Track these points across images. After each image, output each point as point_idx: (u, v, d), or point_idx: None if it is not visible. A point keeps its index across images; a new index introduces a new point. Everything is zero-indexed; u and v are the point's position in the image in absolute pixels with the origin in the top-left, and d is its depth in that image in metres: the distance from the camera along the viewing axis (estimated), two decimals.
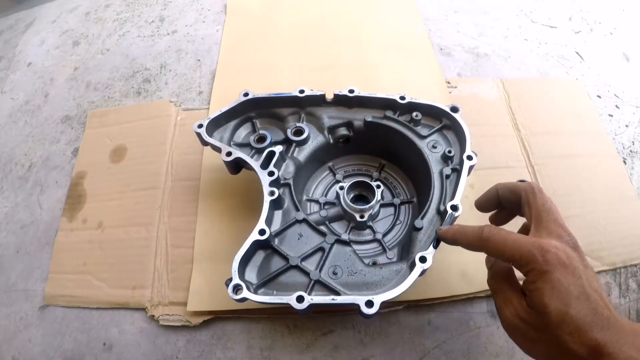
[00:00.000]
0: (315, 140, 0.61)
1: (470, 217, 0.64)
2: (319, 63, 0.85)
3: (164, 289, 0.61)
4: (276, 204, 0.53)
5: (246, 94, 0.61)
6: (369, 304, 0.44)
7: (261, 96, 0.61)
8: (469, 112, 0.61)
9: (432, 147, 0.57)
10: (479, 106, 0.78)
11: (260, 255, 0.50)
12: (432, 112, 0.60)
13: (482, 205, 0.50)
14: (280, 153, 0.57)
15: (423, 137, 0.58)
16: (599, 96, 0.83)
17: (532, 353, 0.40)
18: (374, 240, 0.57)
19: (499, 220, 0.51)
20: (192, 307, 0.58)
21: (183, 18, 1.00)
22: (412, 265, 0.47)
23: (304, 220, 0.53)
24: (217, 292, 0.57)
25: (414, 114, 0.59)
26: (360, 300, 0.44)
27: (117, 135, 0.78)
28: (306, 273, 0.48)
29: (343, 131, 0.62)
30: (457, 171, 0.54)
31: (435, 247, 0.47)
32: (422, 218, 0.51)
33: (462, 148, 0.56)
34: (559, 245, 0.37)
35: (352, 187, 0.61)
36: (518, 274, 0.40)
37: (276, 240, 0.51)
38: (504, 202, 0.47)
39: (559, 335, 0.35)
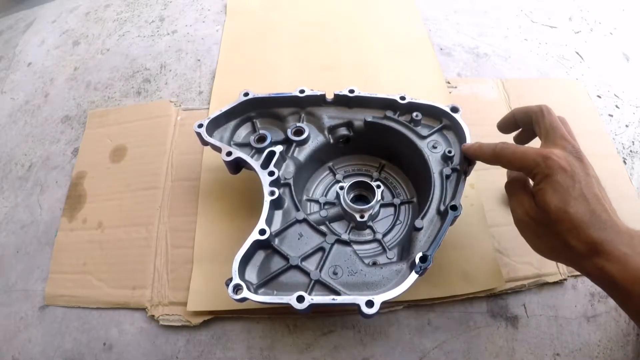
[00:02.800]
0: (315, 140, 0.61)
1: (470, 217, 0.65)
2: (319, 63, 0.85)
3: (164, 289, 0.61)
4: (276, 204, 0.53)
5: (246, 94, 0.61)
6: (369, 304, 0.44)
7: (261, 96, 0.61)
8: (469, 112, 0.60)
9: (432, 147, 0.57)
10: (479, 106, 0.78)
11: (260, 255, 0.50)
12: (432, 112, 0.60)
13: (501, 127, 0.55)
14: (281, 153, 0.57)
15: (423, 137, 0.58)
16: (599, 96, 0.83)
17: (539, 248, 0.45)
18: (374, 240, 0.57)
19: (520, 140, 0.56)
20: (192, 307, 0.58)
21: (183, 18, 1.00)
22: (412, 265, 0.47)
23: (304, 220, 0.53)
24: (217, 292, 0.57)
25: (414, 114, 0.59)
26: (360, 300, 0.44)
27: (117, 135, 0.78)
28: (306, 273, 0.48)
29: (343, 131, 0.62)
30: (457, 171, 0.54)
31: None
32: (422, 218, 0.51)
33: None
34: (561, 153, 0.42)
35: (352, 187, 0.61)
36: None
37: (276, 240, 0.51)
38: (520, 124, 0.52)
39: (560, 231, 0.40)
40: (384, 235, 0.58)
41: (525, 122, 0.51)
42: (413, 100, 0.59)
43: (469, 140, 0.56)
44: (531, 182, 0.45)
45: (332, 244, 0.51)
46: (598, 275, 0.39)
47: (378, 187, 0.59)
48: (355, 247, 0.52)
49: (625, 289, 0.37)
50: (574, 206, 0.39)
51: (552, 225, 0.41)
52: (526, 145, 0.49)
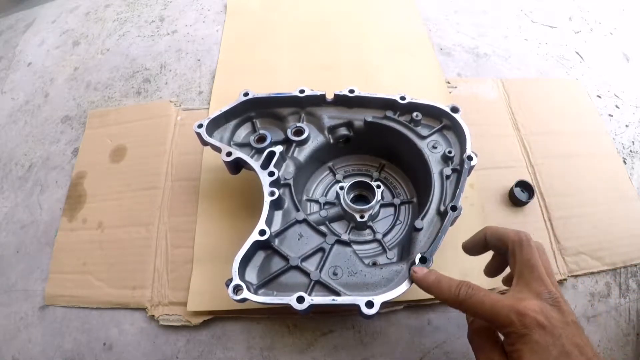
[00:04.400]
0: (315, 140, 0.61)
1: (470, 217, 0.64)
2: (319, 63, 0.85)
3: (164, 289, 0.61)
4: (276, 204, 0.53)
5: (246, 94, 0.61)
6: (369, 304, 0.44)
7: (261, 96, 0.61)
8: (469, 112, 0.60)
9: (432, 148, 0.57)
10: (479, 106, 0.78)
11: (260, 256, 0.50)
12: (432, 112, 0.60)
13: (469, 248, 0.50)
14: (281, 153, 0.57)
15: (423, 138, 0.58)
16: (599, 96, 0.83)
17: None
18: (374, 240, 0.57)
19: (493, 270, 0.51)
20: (192, 307, 0.58)
21: (183, 18, 1.00)
22: (412, 266, 0.47)
23: (304, 221, 0.53)
24: (217, 292, 0.57)
25: (414, 114, 0.59)
26: (360, 300, 0.44)
27: (117, 135, 0.78)
28: (306, 273, 0.48)
29: (343, 131, 0.62)
30: (458, 171, 0.54)
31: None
32: (422, 218, 0.51)
33: (462, 148, 0.56)
34: (537, 306, 0.37)
35: (352, 187, 0.61)
36: None
37: (276, 241, 0.51)
38: (492, 248, 0.47)
39: None
40: (384, 235, 0.58)
41: (498, 248, 0.46)
42: (413, 100, 0.59)
43: (469, 140, 0.55)
44: (501, 336, 0.40)
45: (332, 245, 0.51)
46: None
47: (378, 187, 0.59)
48: (355, 247, 0.52)
49: None
50: None
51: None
52: (494, 293, 0.41)
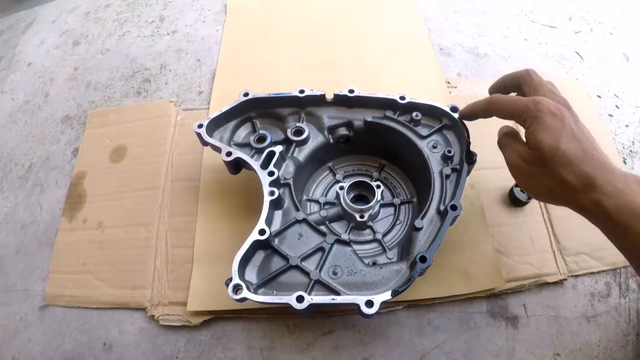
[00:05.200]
0: (315, 140, 0.61)
1: (470, 217, 0.64)
2: (319, 63, 0.85)
3: (164, 289, 0.61)
4: (276, 204, 0.53)
5: (246, 94, 0.61)
6: (369, 303, 0.44)
7: (261, 96, 0.61)
8: None
9: (432, 147, 0.57)
10: None
11: (260, 255, 0.50)
12: (432, 112, 0.60)
13: (493, 91, 0.55)
14: (280, 153, 0.57)
15: (423, 137, 0.58)
16: (599, 96, 0.83)
17: (536, 191, 0.46)
18: (374, 240, 0.57)
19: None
20: (192, 307, 0.58)
21: (183, 18, 1.00)
22: (412, 265, 0.47)
23: (304, 220, 0.53)
24: (217, 292, 0.57)
25: (414, 114, 0.59)
26: (360, 300, 0.44)
27: (117, 135, 0.78)
28: (306, 273, 0.48)
29: (343, 131, 0.62)
30: (457, 171, 0.54)
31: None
32: (422, 218, 0.51)
33: (462, 148, 0.56)
34: (550, 100, 0.44)
35: (352, 187, 0.61)
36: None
37: (276, 240, 0.51)
38: (510, 89, 0.53)
39: (554, 168, 0.41)
40: (384, 235, 0.58)
41: (514, 86, 0.52)
42: (413, 100, 0.59)
43: (469, 140, 0.55)
44: (522, 131, 0.46)
45: (332, 244, 0.51)
46: (594, 210, 0.40)
47: (378, 187, 0.59)
48: (355, 247, 0.52)
49: (622, 224, 0.38)
50: (566, 143, 0.41)
51: (547, 163, 0.42)
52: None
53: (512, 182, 0.66)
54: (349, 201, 0.58)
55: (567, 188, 0.41)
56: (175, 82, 0.87)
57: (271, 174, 0.54)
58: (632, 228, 0.38)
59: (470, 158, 0.54)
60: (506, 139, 0.49)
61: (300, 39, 0.90)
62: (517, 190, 0.66)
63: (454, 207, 0.50)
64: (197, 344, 0.58)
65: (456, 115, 0.57)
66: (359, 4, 0.97)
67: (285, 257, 0.49)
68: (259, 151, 0.58)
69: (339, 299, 0.45)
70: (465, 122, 0.57)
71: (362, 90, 0.60)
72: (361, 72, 0.83)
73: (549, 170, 0.42)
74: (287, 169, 0.57)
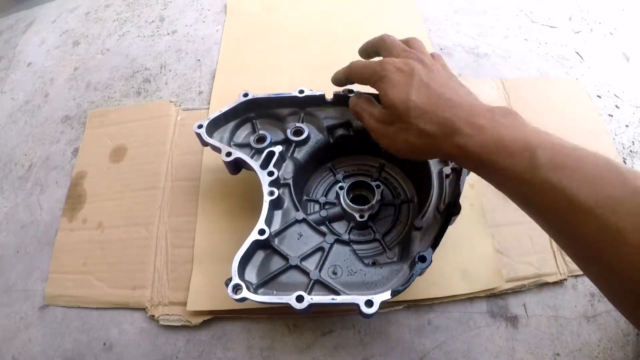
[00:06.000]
0: (315, 140, 0.61)
1: (470, 217, 0.64)
2: (319, 63, 0.85)
3: (164, 289, 0.61)
4: (276, 204, 0.53)
5: (246, 94, 0.61)
6: (369, 303, 0.44)
7: (261, 96, 0.61)
8: None
9: None
10: None
11: (260, 255, 0.50)
12: None
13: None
14: (280, 153, 0.57)
15: None
16: (599, 96, 0.83)
17: (403, 150, 0.44)
18: (374, 240, 0.57)
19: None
20: (192, 307, 0.58)
21: (183, 18, 1.00)
22: (411, 265, 0.47)
23: (304, 220, 0.53)
24: (217, 292, 0.57)
25: None
26: (360, 300, 0.44)
27: (117, 135, 0.78)
28: (306, 273, 0.48)
29: (343, 131, 0.62)
30: (457, 171, 0.54)
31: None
32: (422, 218, 0.51)
33: None
34: (397, 59, 0.45)
35: (352, 187, 0.61)
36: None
37: (276, 240, 0.51)
38: (371, 56, 0.54)
39: (410, 121, 0.41)
40: (384, 235, 0.58)
41: (375, 54, 0.53)
42: None
43: None
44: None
45: (332, 244, 0.51)
46: (460, 154, 0.39)
47: (378, 187, 0.59)
48: (355, 247, 0.52)
49: (488, 161, 0.37)
50: (417, 94, 0.41)
51: (402, 118, 0.41)
52: None
53: None
54: (349, 201, 0.58)
55: (428, 138, 0.40)
56: (175, 82, 0.87)
57: (271, 174, 0.54)
58: (499, 164, 0.36)
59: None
60: (360, 105, 0.50)
61: (300, 39, 0.90)
62: None
63: (454, 207, 0.50)
64: (197, 344, 0.58)
65: None
66: (359, 4, 0.97)
67: (285, 257, 0.49)
68: (259, 151, 0.58)
69: (339, 299, 0.45)
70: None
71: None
72: None
73: (407, 124, 0.41)
74: (287, 169, 0.57)
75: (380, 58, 0.49)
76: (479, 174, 0.41)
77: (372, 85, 0.46)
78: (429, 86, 0.41)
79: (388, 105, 0.43)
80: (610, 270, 0.32)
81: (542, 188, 0.34)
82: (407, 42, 0.49)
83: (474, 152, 0.37)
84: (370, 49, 0.53)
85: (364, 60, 0.51)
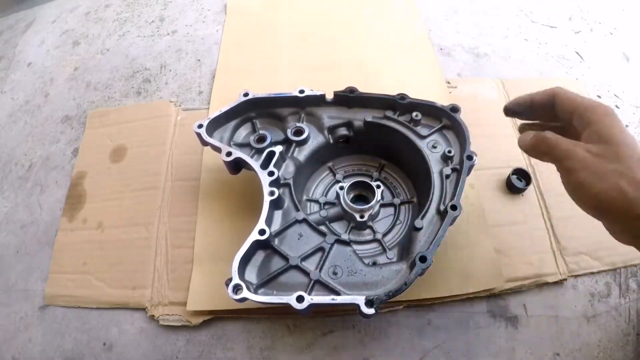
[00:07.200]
0: (315, 140, 0.61)
1: (470, 217, 0.64)
2: (319, 63, 0.85)
3: (164, 289, 0.61)
4: (276, 204, 0.53)
5: (246, 94, 0.61)
6: (369, 303, 0.44)
7: (261, 96, 0.61)
8: (469, 112, 0.60)
9: (432, 147, 0.57)
10: (479, 106, 0.78)
11: (260, 255, 0.50)
12: (432, 112, 0.60)
13: (517, 106, 0.50)
14: (280, 153, 0.57)
15: (423, 137, 0.58)
16: (599, 96, 0.83)
17: (606, 189, 0.37)
18: (374, 240, 0.57)
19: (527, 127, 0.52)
20: (192, 306, 0.58)
21: (183, 18, 1.00)
22: (412, 265, 0.47)
23: (304, 220, 0.53)
24: (217, 292, 0.56)
25: (414, 114, 0.59)
26: (360, 300, 0.44)
27: (117, 135, 0.78)
28: (306, 273, 0.48)
29: (343, 131, 0.62)
30: (457, 171, 0.54)
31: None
32: (422, 218, 0.51)
33: (462, 148, 0.56)
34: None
35: (352, 187, 0.61)
36: None
37: (276, 240, 0.51)
38: (536, 107, 0.48)
39: (630, 165, 0.36)
40: (384, 235, 0.58)
41: (543, 108, 0.47)
42: (413, 100, 0.59)
43: (469, 140, 0.55)
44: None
45: (332, 244, 0.51)
46: None
47: (378, 187, 0.59)
48: (355, 247, 0.52)
49: None
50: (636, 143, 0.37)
51: (622, 159, 0.36)
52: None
53: None
54: (349, 201, 0.58)
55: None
56: (175, 82, 0.87)
57: (271, 174, 0.54)
58: None
59: (469, 158, 0.54)
60: (553, 138, 0.42)
61: (300, 39, 0.90)
62: (514, 178, 0.66)
63: (454, 207, 0.50)
64: (197, 344, 0.58)
65: (456, 116, 0.57)
66: (359, 4, 0.97)
67: (285, 257, 0.49)
68: (259, 151, 0.58)
69: (339, 299, 0.45)
70: (465, 123, 0.56)
71: (362, 90, 0.60)
72: (361, 72, 0.83)
73: (624, 167, 0.36)
74: (287, 169, 0.57)
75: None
76: None
77: (586, 121, 0.40)
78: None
79: (608, 139, 0.38)
80: None
81: None
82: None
83: None
84: (542, 100, 0.46)
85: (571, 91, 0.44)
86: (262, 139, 0.59)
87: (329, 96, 0.61)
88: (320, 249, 0.50)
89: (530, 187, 0.67)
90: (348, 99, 0.61)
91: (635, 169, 0.36)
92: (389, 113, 0.60)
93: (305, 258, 0.50)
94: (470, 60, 0.88)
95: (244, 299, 0.45)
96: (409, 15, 0.95)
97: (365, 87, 0.61)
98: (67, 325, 0.62)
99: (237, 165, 0.59)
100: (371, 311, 0.43)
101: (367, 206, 0.57)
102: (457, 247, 0.61)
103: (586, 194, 0.40)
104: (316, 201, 0.63)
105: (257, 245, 0.49)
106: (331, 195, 0.63)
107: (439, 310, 0.59)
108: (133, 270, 0.63)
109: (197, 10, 1.02)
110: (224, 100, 0.63)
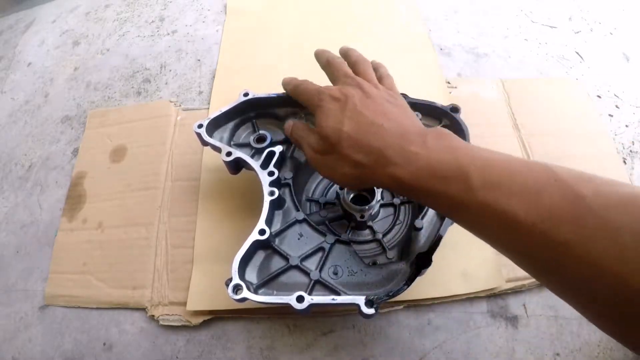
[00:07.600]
0: None
1: None
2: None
3: (164, 289, 0.61)
4: (276, 204, 0.53)
5: (246, 94, 0.61)
6: (369, 303, 0.44)
7: (261, 96, 0.61)
8: (469, 112, 0.60)
9: None
10: (479, 106, 0.78)
11: (260, 255, 0.50)
12: (432, 112, 0.60)
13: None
14: (281, 153, 0.57)
15: None
16: (599, 96, 0.83)
17: (336, 178, 0.43)
18: (374, 240, 0.57)
19: None
20: (192, 306, 0.58)
21: (183, 18, 1.00)
22: (412, 265, 0.47)
23: (304, 220, 0.53)
24: (217, 292, 0.57)
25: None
26: (360, 300, 0.44)
27: (117, 135, 0.78)
28: (306, 273, 0.48)
29: None
30: None
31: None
32: (422, 218, 0.51)
33: None
34: (336, 87, 0.45)
35: None
36: None
37: (276, 240, 0.51)
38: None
39: (343, 152, 0.40)
40: (384, 235, 0.58)
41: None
42: (413, 100, 0.59)
43: (469, 140, 0.55)
44: None
45: (332, 244, 0.51)
46: (395, 184, 0.37)
47: (378, 187, 0.59)
48: (355, 247, 0.52)
49: (423, 190, 0.35)
50: (348, 124, 0.40)
51: (337, 149, 0.40)
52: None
53: None
54: (349, 201, 0.58)
55: (362, 168, 0.39)
56: (175, 82, 0.87)
57: (271, 174, 0.54)
58: (435, 191, 0.34)
59: None
60: (297, 132, 0.49)
61: (300, 39, 0.90)
62: None
63: None
64: (197, 344, 0.58)
65: (456, 116, 0.57)
66: (359, 4, 0.97)
67: (285, 257, 0.49)
68: (259, 151, 0.58)
69: (339, 299, 0.45)
70: (465, 123, 0.56)
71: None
72: None
73: (340, 154, 0.40)
74: (288, 169, 0.57)
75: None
76: (421, 203, 0.40)
77: (312, 113, 0.46)
78: (361, 114, 0.40)
79: (322, 136, 0.42)
80: (564, 285, 0.30)
81: (481, 210, 0.32)
82: (354, 64, 0.49)
83: (408, 181, 0.36)
84: (321, 64, 0.54)
85: (311, 84, 0.50)
86: (262, 139, 0.59)
87: None
88: (321, 248, 0.50)
89: None
90: None
91: (346, 152, 0.40)
92: None
93: (305, 258, 0.50)
94: (470, 60, 0.88)
95: (244, 299, 0.45)
96: (409, 15, 0.95)
97: None
98: (67, 325, 0.62)
99: (237, 165, 0.59)
100: (371, 311, 0.43)
101: (367, 206, 0.57)
102: (457, 247, 0.61)
103: (331, 180, 0.48)
104: (316, 201, 0.63)
105: (257, 245, 0.49)
106: (331, 195, 0.63)
107: (439, 310, 0.59)
108: (133, 270, 0.63)
109: (197, 10, 1.02)
110: (224, 100, 0.63)
